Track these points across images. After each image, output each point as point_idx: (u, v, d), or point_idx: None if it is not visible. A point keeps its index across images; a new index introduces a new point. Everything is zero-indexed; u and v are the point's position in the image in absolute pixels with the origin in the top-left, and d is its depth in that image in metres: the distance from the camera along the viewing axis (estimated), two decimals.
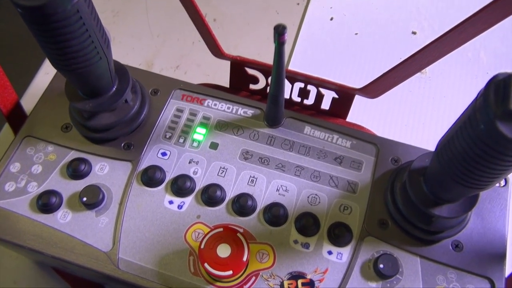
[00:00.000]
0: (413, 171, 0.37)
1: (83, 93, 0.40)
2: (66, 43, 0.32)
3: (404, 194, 0.39)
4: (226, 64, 0.54)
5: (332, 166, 0.43)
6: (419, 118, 0.61)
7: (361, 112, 0.58)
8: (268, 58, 0.51)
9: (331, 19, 0.67)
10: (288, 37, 0.67)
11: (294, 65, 0.63)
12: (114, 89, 0.40)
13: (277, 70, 0.37)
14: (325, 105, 0.54)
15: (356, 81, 0.52)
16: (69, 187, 0.41)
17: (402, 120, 0.61)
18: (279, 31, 0.32)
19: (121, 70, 0.41)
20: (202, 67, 0.64)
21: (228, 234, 0.37)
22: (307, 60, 0.63)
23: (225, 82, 0.58)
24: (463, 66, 0.64)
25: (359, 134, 0.44)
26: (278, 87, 0.39)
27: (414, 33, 0.67)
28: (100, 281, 0.48)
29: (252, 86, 0.55)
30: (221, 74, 0.64)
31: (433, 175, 0.35)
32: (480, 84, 0.64)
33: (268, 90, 0.54)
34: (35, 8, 0.29)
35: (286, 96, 0.49)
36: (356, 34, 0.67)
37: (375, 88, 0.47)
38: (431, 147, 0.44)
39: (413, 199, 0.37)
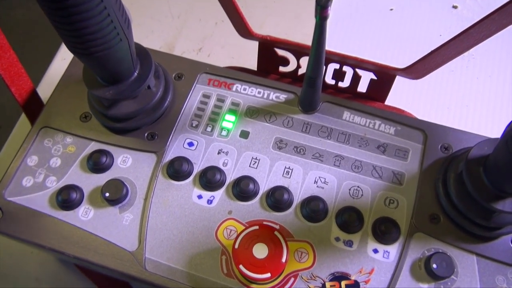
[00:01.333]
0: (471, 161, 0.33)
1: (102, 80, 0.37)
2: (83, 23, 0.28)
3: (459, 186, 0.34)
4: (252, 45, 0.50)
5: (375, 155, 0.39)
6: (463, 100, 0.56)
7: (397, 95, 0.54)
8: (296, 38, 0.47)
9: None
10: None
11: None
12: (135, 74, 0.37)
13: (317, 49, 0.33)
14: (361, 87, 0.50)
15: (392, 61, 0.47)
16: (90, 182, 0.38)
17: (443, 103, 0.56)
18: (322, 4, 0.28)
19: (143, 54, 0.38)
20: (226, 48, 0.60)
21: (264, 233, 0.33)
22: (337, 39, 0.58)
23: (251, 64, 0.54)
24: (510, 44, 0.58)
25: (404, 119, 0.40)
26: (317, 68, 0.35)
27: (455, 7, 0.62)
28: (126, 279, 0.45)
29: (281, 69, 0.51)
30: (246, 56, 0.60)
31: (498, 165, 0.30)
32: None
33: (299, 72, 0.51)
34: None
35: None
36: (391, 9, 0.62)
37: (420, 68, 0.42)
38: (481, 131, 0.40)
39: (471, 192, 0.33)
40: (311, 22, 0.63)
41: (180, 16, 0.63)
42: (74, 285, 0.47)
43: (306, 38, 0.47)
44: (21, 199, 0.38)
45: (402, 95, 0.54)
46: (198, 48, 0.60)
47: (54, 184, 0.38)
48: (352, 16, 0.59)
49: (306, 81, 0.37)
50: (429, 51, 0.41)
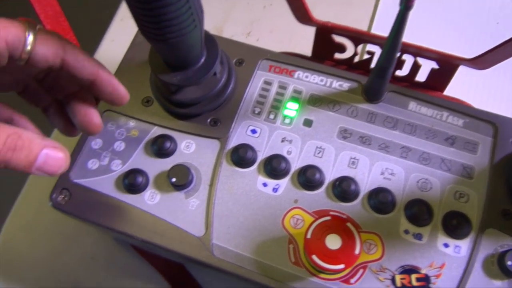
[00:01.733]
0: None
1: (169, 65, 0.36)
2: (163, 9, 0.28)
3: None
4: (303, 31, 0.49)
5: (443, 147, 0.38)
6: None
7: (453, 85, 0.52)
8: (346, 23, 0.45)
9: None
10: (368, 0, 0.61)
11: (376, 31, 0.57)
12: (202, 60, 0.36)
13: (395, 39, 0.32)
14: (420, 76, 0.48)
15: (449, 50, 0.46)
16: (154, 166, 0.38)
17: (501, 95, 0.54)
18: None
19: (209, 40, 0.37)
20: (275, 33, 0.59)
21: (336, 224, 0.33)
22: (389, 26, 0.57)
23: (301, 49, 0.53)
24: None
25: (473, 111, 0.39)
26: (391, 58, 0.34)
27: None
28: (183, 261, 0.45)
29: (337, 55, 0.50)
30: (296, 41, 0.59)
31: None
32: None
33: (355, 60, 0.50)
34: None
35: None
36: None
37: (489, 59, 0.41)
38: None
39: None
40: (361, 9, 0.61)
41: None
42: (129, 264, 0.47)
43: (356, 24, 0.46)
44: (88, 181, 0.38)
45: (457, 86, 0.53)
46: (247, 32, 0.59)
47: (119, 168, 0.38)
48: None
49: (377, 70, 0.36)
50: (501, 42, 0.40)
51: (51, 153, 0.27)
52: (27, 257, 0.50)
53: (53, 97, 0.35)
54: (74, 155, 0.39)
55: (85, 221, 0.37)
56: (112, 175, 0.38)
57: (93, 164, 0.39)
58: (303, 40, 0.57)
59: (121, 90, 0.33)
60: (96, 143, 0.40)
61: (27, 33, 0.28)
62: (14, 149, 0.26)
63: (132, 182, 0.37)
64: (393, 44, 0.33)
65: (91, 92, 0.33)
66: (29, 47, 0.28)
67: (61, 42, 0.29)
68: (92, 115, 0.34)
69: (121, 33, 0.61)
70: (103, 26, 0.61)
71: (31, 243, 0.50)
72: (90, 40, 0.60)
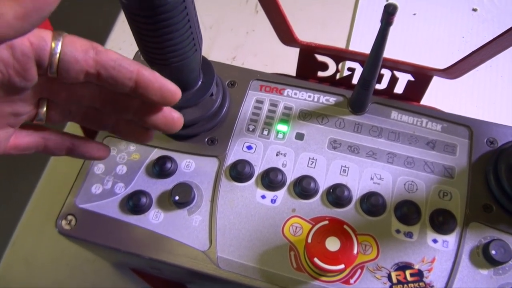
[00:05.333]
0: None
1: None
2: (170, 35, 0.31)
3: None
4: (285, 52, 0.52)
5: (425, 151, 0.41)
6: (489, 97, 0.59)
7: (427, 95, 0.56)
8: (324, 43, 0.49)
9: (387, 0, 0.65)
10: (344, 20, 0.65)
11: (353, 49, 0.61)
12: (200, 82, 0.39)
13: (377, 53, 0.35)
14: (398, 89, 0.52)
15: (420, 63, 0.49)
16: (157, 186, 0.40)
17: (471, 101, 0.58)
18: (390, 11, 0.31)
19: (205, 62, 0.40)
20: (259, 57, 0.63)
21: (334, 227, 0.35)
22: (365, 44, 0.61)
23: (285, 70, 0.56)
24: None
25: (449, 117, 0.43)
26: (374, 71, 0.37)
27: (474, 9, 0.65)
28: (189, 278, 0.47)
29: (320, 74, 0.53)
30: (279, 63, 0.62)
31: None
32: None
33: (337, 77, 0.53)
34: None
35: (355, 81, 0.47)
36: (414, 14, 0.65)
37: (459, 69, 0.45)
38: None
39: None
40: (337, 29, 0.65)
41: (213, 27, 0.65)
42: None
43: (334, 43, 0.50)
44: (93, 205, 0.40)
45: (431, 96, 0.57)
46: (232, 57, 0.63)
47: (123, 190, 0.40)
48: (378, 21, 0.62)
49: (361, 83, 0.40)
50: (467, 52, 0.44)
51: None
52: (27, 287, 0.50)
53: (119, 118, 0.34)
54: (78, 181, 0.40)
55: (92, 244, 0.39)
56: (116, 198, 0.40)
57: (96, 188, 0.40)
58: (285, 62, 0.60)
59: (169, 84, 0.31)
60: (98, 168, 0.41)
61: (52, 38, 0.26)
62: None
63: (136, 203, 0.39)
64: (375, 57, 0.36)
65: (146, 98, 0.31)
66: (58, 50, 0.26)
67: (90, 43, 0.28)
68: (170, 111, 0.33)
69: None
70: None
71: (30, 273, 0.51)
72: None
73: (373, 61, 0.36)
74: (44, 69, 0.27)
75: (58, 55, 0.26)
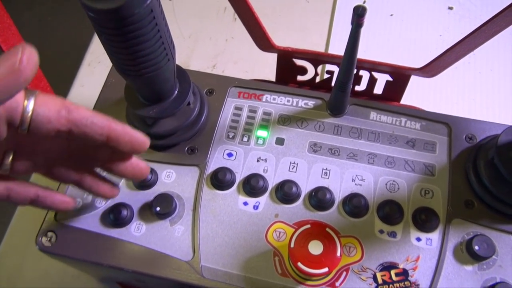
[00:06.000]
0: (501, 146, 0.36)
1: (145, 99, 0.38)
2: (140, 46, 0.30)
3: (491, 171, 0.37)
4: (264, 59, 0.52)
5: (405, 150, 0.41)
6: (469, 94, 0.59)
7: (408, 95, 0.56)
8: (304, 47, 0.49)
9: (364, 2, 0.65)
10: (322, 24, 0.66)
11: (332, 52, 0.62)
12: (176, 92, 0.39)
13: (350, 55, 0.36)
14: (377, 90, 0.52)
15: (400, 63, 0.50)
16: (137, 198, 0.40)
17: (451, 98, 0.59)
18: (359, 13, 0.31)
19: (180, 72, 0.40)
20: (239, 64, 0.63)
21: (317, 230, 0.35)
22: (344, 47, 0.61)
23: (265, 76, 0.56)
24: (506, 37, 0.62)
25: (428, 115, 0.43)
26: (349, 73, 0.37)
27: (450, 8, 0.66)
28: None
29: (299, 78, 0.53)
30: (259, 69, 0.62)
31: None
32: None
33: (317, 80, 0.53)
34: (110, 11, 0.28)
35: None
36: (391, 15, 0.66)
37: (436, 67, 0.45)
38: (493, 120, 0.43)
39: (505, 176, 0.35)
40: (316, 33, 0.65)
41: (191, 36, 0.65)
42: None
43: (313, 48, 0.50)
44: (73, 220, 0.39)
45: (412, 95, 0.57)
46: (212, 65, 0.63)
47: (103, 204, 0.40)
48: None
49: (337, 85, 0.40)
50: (444, 50, 0.44)
51: None
52: None
53: (85, 170, 0.35)
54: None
55: (73, 260, 0.38)
56: (97, 212, 0.39)
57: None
58: (265, 68, 0.60)
59: (138, 136, 0.32)
60: None
61: (24, 97, 0.27)
62: None
63: (117, 216, 0.38)
64: (349, 59, 0.36)
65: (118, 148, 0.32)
66: (30, 108, 0.27)
67: (62, 102, 0.29)
68: (138, 162, 0.35)
69: (90, 77, 0.63)
70: (70, 72, 0.63)
71: None
72: (60, 87, 0.62)
73: (347, 63, 0.36)
74: (15, 126, 0.27)
75: (30, 114, 0.27)
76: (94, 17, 0.28)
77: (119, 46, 0.30)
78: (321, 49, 0.64)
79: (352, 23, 0.32)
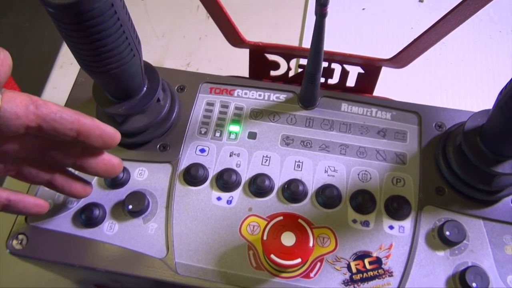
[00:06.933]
0: (468, 132, 0.36)
1: (113, 97, 0.38)
2: (102, 41, 0.30)
3: (459, 157, 0.38)
4: (238, 55, 0.52)
5: (376, 140, 0.42)
6: (440, 84, 0.60)
7: (381, 87, 0.57)
8: (278, 43, 0.49)
9: None
10: (295, 18, 0.66)
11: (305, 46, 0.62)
12: (145, 89, 0.39)
13: (317, 46, 0.36)
14: (350, 82, 0.53)
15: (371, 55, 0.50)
16: (110, 197, 0.39)
17: (424, 89, 0.60)
18: (322, 3, 0.31)
19: (149, 69, 0.40)
20: (213, 61, 0.63)
21: (289, 222, 0.35)
22: None
23: (240, 73, 0.56)
24: (475, 28, 0.63)
25: (398, 104, 0.43)
26: (317, 64, 0.38)
27: (421, 1, 0.67)
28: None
29: (272, 73, 0.53)
30: (234, 66, 0.62)
31: (494, 131, 0.34)
32: (495, 43, 0.64)
33: (290, 74, 0.53)
34: (69, 6, 0.27)
35: None
36: (363, 9, 0.66)
37: (405, 57, 0.46)
38: (466, 109, 0.44)
39: (472, 161, 0.36)
40: (290, 29, 0.66)
41: (165, 35, 0.65)
42: None
43: (288, 43, 0.50)
44: (44, 222, 0.38)
45: (385, 87, 0.58)
46: (186, 64, 0.62)
47: (75, 204, 0.39)
48: (329, 17, 0.62)
49: (306, 78, 0.40)
50: (411, 41, 0.45)
51: None
52: None
53: (56, 169, 0.34)
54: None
55: (46, 262, 0.37)
56: (68, 213, 0.39)
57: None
58: (240, 65, 0.60)
59: (109, 129, 0.32)
60: None
61: None
62: None
63: (89, 216, 0.38)
64: (316, 50, 0.37)
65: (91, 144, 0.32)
66: None
67: (30, 97, 0.28)
68: (110, 158, 0.35)
69: (62, 79, 0.62)
70: (43, 74, 0.62)
71: None
72: (32, 89, 0.60)
73: (314, 54, 0.37)
74: None
75: None
76: (53, 13, 0.28)
77: (81, 42, 0.30)
78: (295, 44, 0.64)
79: (316, 14, 0.32)
